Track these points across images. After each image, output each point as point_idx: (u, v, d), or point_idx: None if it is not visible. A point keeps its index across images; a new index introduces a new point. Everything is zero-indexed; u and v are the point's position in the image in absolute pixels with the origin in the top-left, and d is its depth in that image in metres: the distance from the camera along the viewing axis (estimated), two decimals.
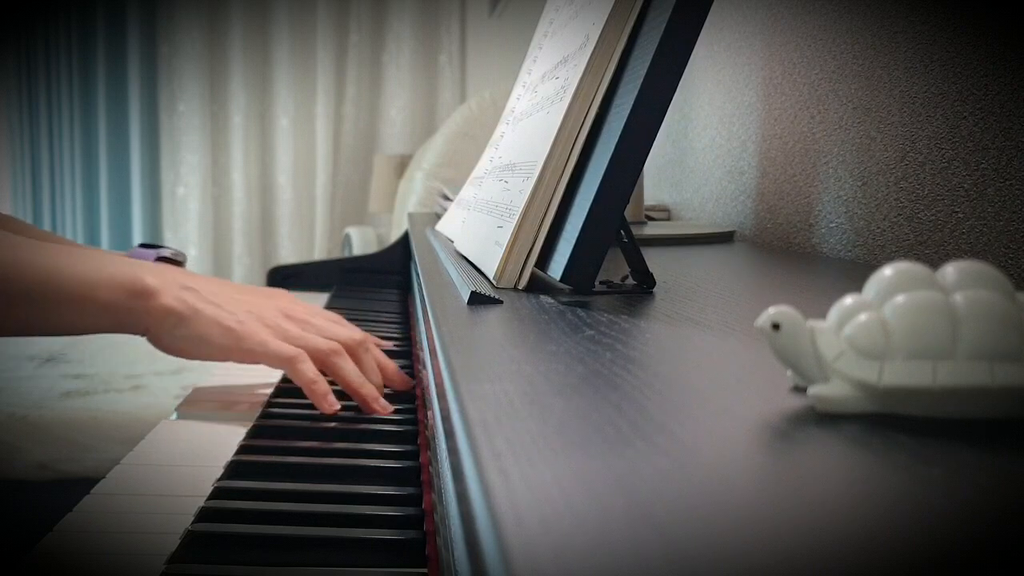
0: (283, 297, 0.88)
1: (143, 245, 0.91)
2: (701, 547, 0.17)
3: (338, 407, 0.66)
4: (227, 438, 0.63)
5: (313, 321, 0.73)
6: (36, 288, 0.65)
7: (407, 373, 0.82)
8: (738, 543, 0.17)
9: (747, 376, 0.32)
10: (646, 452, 0.23)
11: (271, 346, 0.67)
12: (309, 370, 0.67)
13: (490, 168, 0.76)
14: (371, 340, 0.75)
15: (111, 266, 0.68)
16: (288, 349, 0.67)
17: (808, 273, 0.68)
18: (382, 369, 0.73)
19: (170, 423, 0.69)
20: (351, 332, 0.73)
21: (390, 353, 0.90)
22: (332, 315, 0.78)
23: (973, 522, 0.18)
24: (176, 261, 0.90)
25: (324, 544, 0.46)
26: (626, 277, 0.55)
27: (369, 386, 0.69)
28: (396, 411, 0.69)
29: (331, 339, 0.71)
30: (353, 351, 0.71)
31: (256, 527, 0.48)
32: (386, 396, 0.72)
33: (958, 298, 0.25)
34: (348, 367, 0.69)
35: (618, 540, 0.17)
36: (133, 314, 0.67)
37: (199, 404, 0.73)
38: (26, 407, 1.17)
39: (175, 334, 0.67)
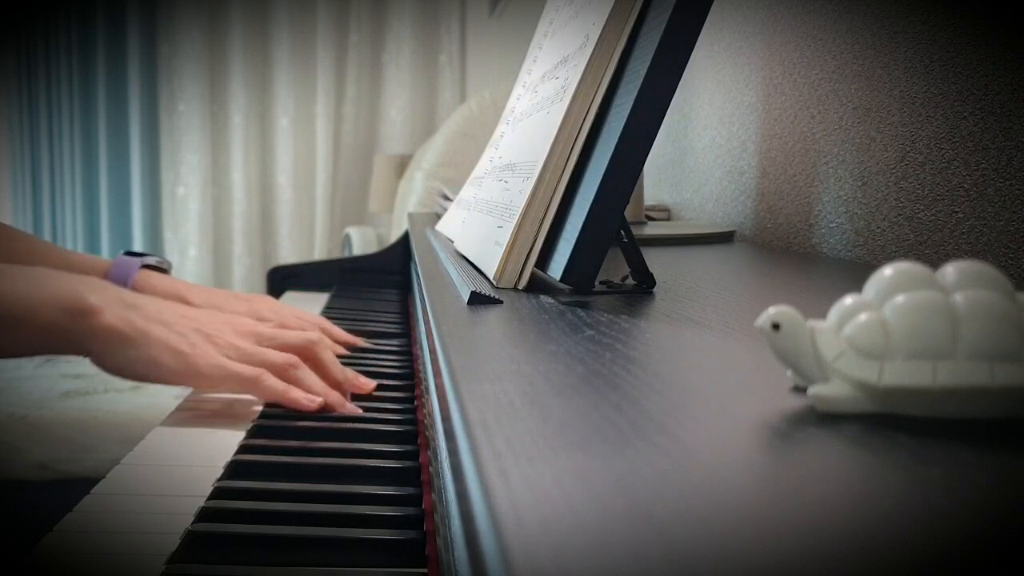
0: (264, 307, 0.88)
1: (128, 253, 0.91)
2: (701, 547, 0.17)
3: (320, 400, 0.66)
4: (227, 438, 0.63)
5: (264, 331, 0.71)
6: None
7: (407, 373, 0.82)
8: (738, 543, 0.17)
9: (747, 376, 0.32)
10: (646, 452, 0.23)
11: (230, 368, 0.65)
12: (276, 384, 0.65)
13: (490, 168, 0.76)
14: (325, 335, 0.73)
15: (51, 285, 0.65)
16: (248, 370, 0.65)
17: (808, 273, 0.68)
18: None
19: (169, 425, 0.69)
20: (304, 334, 0.72)
21: (390, 353, 0.90)
22: (279, 310, 0.76)
23: (973, 522, 0.18)
24: (161, 269, 0.91)
25: (324, 544, 0.46)
26: (626, 277, 0.55)
27: (334, 393, 0.68)
28: (396, 411, 0.69)
29: (284, 348, 0.69)
30: (308, 355, 0.69)
31: (256, 527, 0.48)
32: (384, 397, 0.72)
33: (958, 298, 0.25)
34: (309, 379, 0.67)
35: (618, 540, 0.17)
36: (74, 335, 0.64)
37: (190, 414, 0.70)
38: (26, 407, 1.17)
39: (122, 356, 0.64)
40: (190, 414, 0.70)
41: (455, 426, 0.27)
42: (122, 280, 0.86)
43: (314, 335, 0.71)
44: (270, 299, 0.92)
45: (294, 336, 0.71)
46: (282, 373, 0.67)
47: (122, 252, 0.92)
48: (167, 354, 0.65)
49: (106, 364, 0.65)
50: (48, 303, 0.63)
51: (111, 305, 0.65)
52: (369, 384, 0.72)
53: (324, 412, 0.66)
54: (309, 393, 0.67)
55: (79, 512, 0.51)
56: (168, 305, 0.70)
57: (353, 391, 0.71)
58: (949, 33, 0.66)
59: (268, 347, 0.70)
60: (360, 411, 0.67)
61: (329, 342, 0.73)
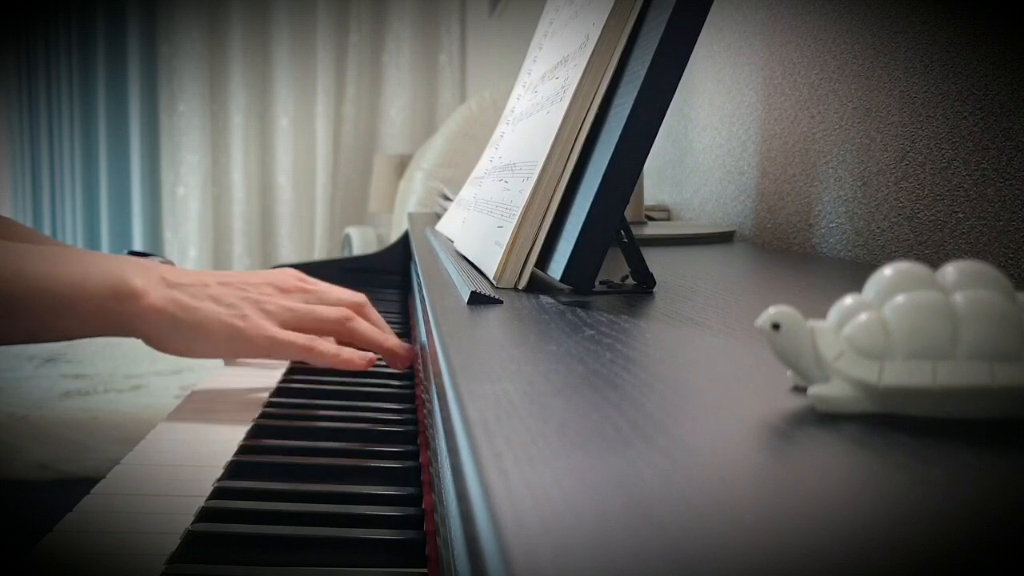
0: (288, 279, 0.88)
1: (132, 252, 0.91)
2: (701, 547, 0.17)
3: (371, 356, 0.66)
4: (227, 438, 0.63)
5: (311, 288, 0.71)
6: (19, 297, 0.62)
7: (407, 373, 0.82)
8: (738, 543, 0.17)
9: (747, 376, 0.32)
10: (646, 452, 0.23)
11: (281, 339, 0.65)
12: (329, 349, 0.65)
13: (490, 168, 0.76)
14: (366, 301, 0.74)
15: (97, 268, 0.64)
16: (300, 338, 0.65)
17: (808, 273, 0.68)
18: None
19: (169, 424, 0.69)
20: (351, 294, 0.72)
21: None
22: (321, 284, 0.76)
23: (973, 522, 0.18)
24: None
25: (324, 544, 0.46)
26: (626, 277, 0.55)
27: (392, 338, 0.68)
28: (396, 411, 0.69)
29: (336, 304, 0.69)
30: (359, 310, 0.70)
31: (256, 527, 0.48)
32: (384, 396, 0.72)
33: (958, 298, 0.25)
34: (364, 327, 0.68)
35: (618, 540, 0.17)
36: (123, 317, 0.64)
37: (190, 414, 0.70)
38: (26, 407, 1.17)
39: (175, 336, 0.65)
40: (192, 412, 0.70)
41: (455, 426, 0.27)
42: None
43: (358, 295, 0.72)
44: (290, 270, 0.91)
45: (344, 294, 0.71)
46: (338, 327, 0.67)
47: (126, 252, 0.92)
48: (220, 330, 0.65)
49: (161, 345, 0.66)
50: (97, 286, 0.63)
51: (156, 286, 0.65)
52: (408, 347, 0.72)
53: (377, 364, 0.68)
54: (369, 339, 0.67)
55: (79, 512, 0.51)
56: (211, 276, 0.69)
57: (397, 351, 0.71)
58: (949, 33, 0.66)
59: (316, 304, 0.70)
60: (416, 351, 0.68)
61: (368, 301, 0.74)
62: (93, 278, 0.64)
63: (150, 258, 0.89)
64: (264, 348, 0.66)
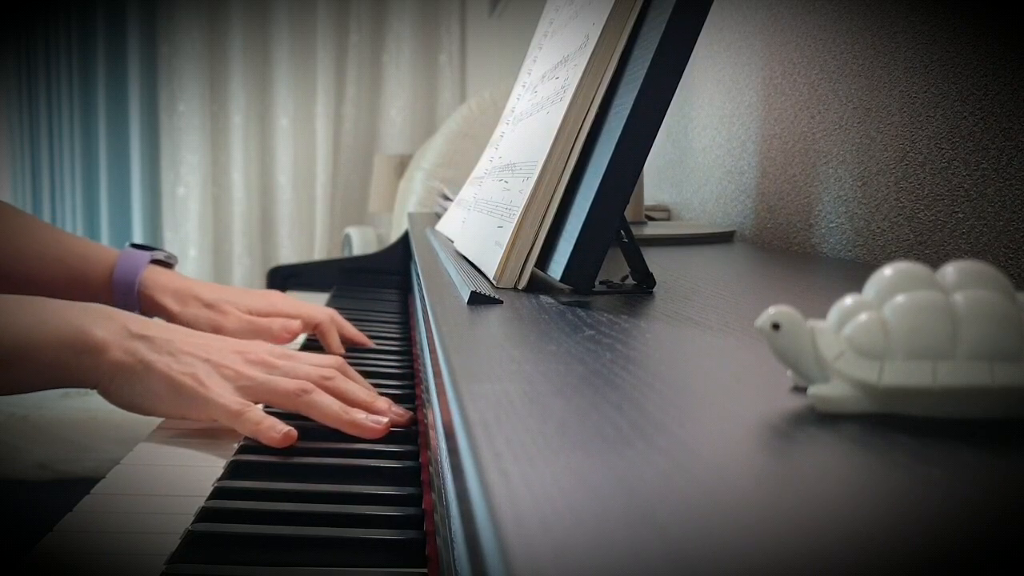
0: (281, 300, 0.89)
1: (134, 246, 0.91)
2: (701, 547, 0.17)
3: (288, 429, 0.60)
4: (226, 439, 0.63)
5: (278, 363, 0.67)
6: None
7: (407, 373, 0.82)
8: (738, 543, 0.17)
9: (747, 376, 0.32)
10: (646, 452, 0.23)
11: (218, 402, 0.62)
12: (253, 418, 0.61)
13: (490, 168, 0.76)
14: (346, 365, 0.69)
15: (53, 320, 0.62)
16: (234, 403, 0.62)
17: (808, 273, 0.68)
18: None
19: (170, 422, 0.69)
20: (320, 367, 0.67)
21: (390, 353, 0.90)
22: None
23: (973, 522, 0.18)
24: (168, 264, 0.91)
25: (324, 544, 0.46)
26: (626, 277, 0.55)
27: (356, 411, 0.63)
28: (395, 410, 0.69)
29: (301, 377, 0.65)
30: (327, 386, 0.64)
31: (256, 527, 0.48)
32: (384, 396, 0.72)
33: (958, 298, 0.25)
34: (323, 401, 0.63)
35: (618, 540, 0.17)
36: (80, 371, 0.62)
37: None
38: (26, 407, 1.17)
39: (125, 389, 0.63)
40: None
41: (455, 426, 0.27)
42: (130, 274, 0.85)
43: (328, 371, 0.66)
44: (281, 294, 0.93)
45: (309, 370, 0.66)
46: (293, 400, 0.63)
47: (128, 244, 0.91)
48: (165, 386, 0.62)
49: (114, 399, 0.64)
50: (50, 340, 0.61)
51: (118, 338, 0.63)
52: (404, 415, 0.65)
53: (295, 445, 0.61)
54: (325, 415, 0.62)
55: (79, 512, 0.51)
56: (178, 333, 0.67)
57: (375, 413, 0.64)
58: (949, 33, 0.66)
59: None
60: (384, 423, 0.62)
61: (352, 372, 0.69)
62: (48, 328, 0.61)
63: (153, 252, 0.89)
64: (200, 408, 0.63)
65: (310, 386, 0.63)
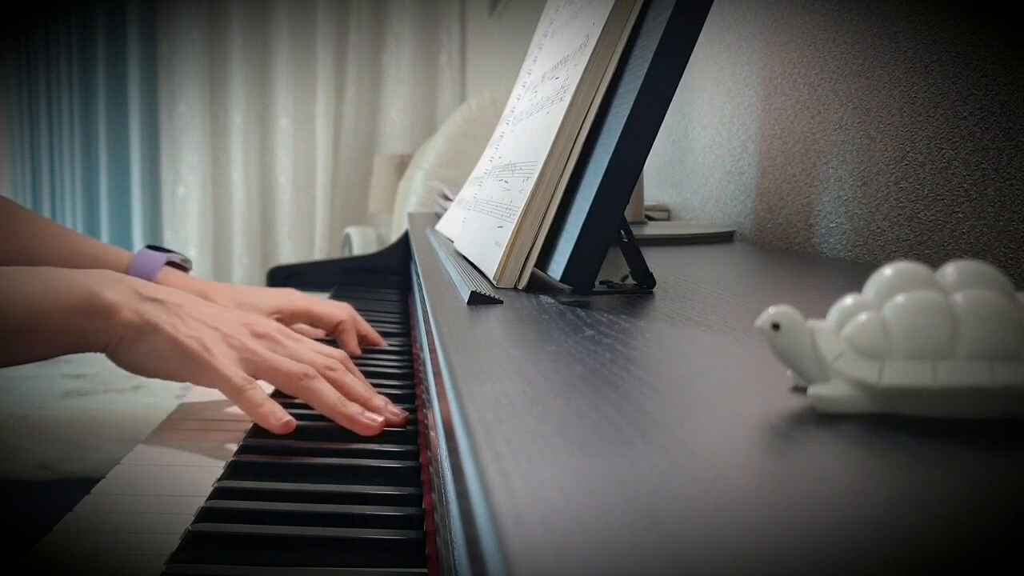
0: (297, 297, 0.88)
1: (151, 247, 0.90)
2: (701, 547, 0.17)
3: (288, 418, 0.61)
4: (227, 439, 0.63)
5: (285, 342, 0.67)
6: None
7: (407, 373, 0.82)
8: (738, 543, 0.17)
9: (747, 376, 0.32)
10: (646, 452, 0.23)
11: (222, 371, 0.62)
12: (254, 398, 0.61)
13: (490, 168, 0.76)
14: (349, 360, 0.69)
15: (63, 286, 0.62)
16: (237, 377, 0.62)
17: (808, 273, 0.68)
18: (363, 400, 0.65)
19: (170, 421, 0.69)
20: (326, 356, 0.67)
21: (390, 353, 0.90)
22: (308, 341, 0.70)
23: (973, 522, 0.18)
24: (183, 267, 0.90)
25: (324, 544, 0.46)
26: (626, 277, 0.55)
27: (352, 405, 0.63)
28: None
29: (306, 362, 0.65)
30: (327, 374, 0.65)
31: (256, 527, 0.48)
32: (388, 396, 0.72)
33: (958, 298, 0.25)
34: (323, 389, 0.63)
35: (618, 540, 0.17)
36: (92, 333, 0.62)
37: (182, 424, 0.69)
38: (26, 407, 1.17)
39: (132, 350, 0.63)
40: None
41: (455, 426, 0.27)
42: (145, 275, 0.84)
43: (332, 362, 0.66)
44: (297, 291, 0.92)
45: (314, 356, 0.66)
46: (295, 383, 0.63)
47: (145, 246, 0.91)
48: (170, 349, 0.62)
49: (119, 358, 0.64)
50: (61, 305, 0.61)
51: (129, 300, 0.63)
52: (399, 415, 0.65)
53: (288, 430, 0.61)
54: (322, 403, 0.62)
55: (79, 512, 0.51)
56: (189, 299, 0.67)
57: (372, 410, 0.64)
58: (949, 33, 0.66)
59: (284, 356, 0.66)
60: (380, 422, 0.62)
61: (353, 368, 0.68)
62: (59, 294, 0.62)
63: (170, 254, 0.88)
64: (202, 374, 0.63)
65: (313, 371, 0.63)
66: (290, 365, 0.64)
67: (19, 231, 0.85)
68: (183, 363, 0.63)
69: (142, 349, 0.63)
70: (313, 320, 0.89)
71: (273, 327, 0.69)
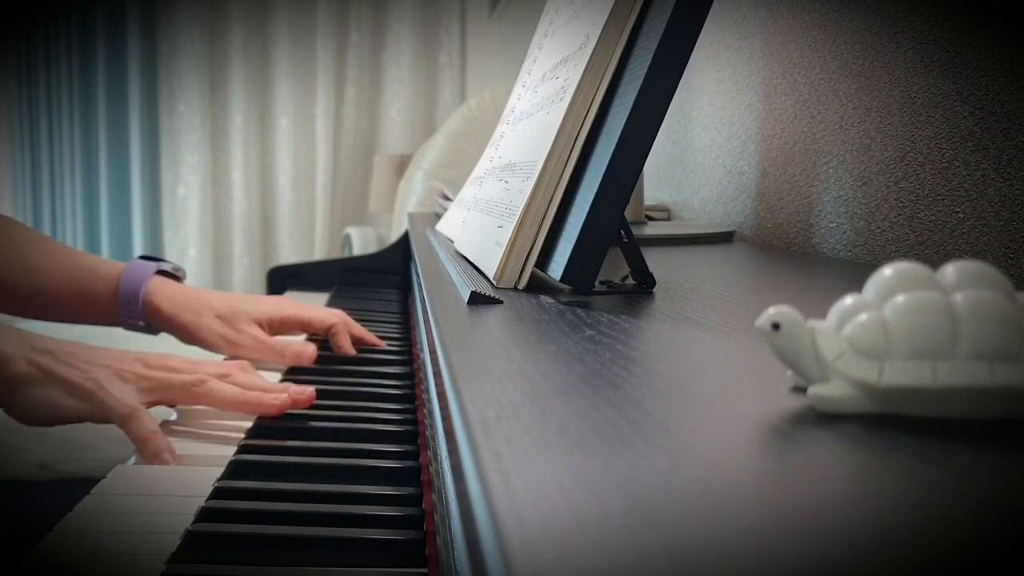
0: (289, 304, 0.89)
1: (143, 257, 0.90)
2: (701, 547, 0.17)
3: (171, 461, 0.62)
4: (227, 439, 0.63)
5: (181, 366, 0.69)
6: None
7: (407, 373, 0.82)
8: (738, 543, 0.17)
9: (747, 376, 0.32)
10: (646, 452, 0.23)
11: (110, 403, 0.63)
12: (142, 426, 0.63)
13: (490, 168, 0.76)
14: (249, 366, 0.72)
15: None
16: (124, 406, 0.63)
17: (808, 273, 0.68)
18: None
19: (170, 422, 0.69)
20: (220, 366, 0.70)
21: (390, 353, 0.90)
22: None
23: (973, 522, 0.18)
24: (176, 276, 0.90)
25: (324, 544, 0.46)
26: (626, 277, 0.55)
27: (252, 392, 0.66)
28: (396, 411, 0.69)
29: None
30: (227, 379, 0.68)
31: (256, 527, 0.48)
32: (384, 396, 0.72)
33: (958, 298, 0.25)
34: (220, 386, 0.66)
35: (618, 540, 0.17)
36: None
37: (190, 415, 0.70)
38: None
39: (27, 401, 0.64)
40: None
41: (455, 426, 0.27)
42: (135, 283, 0.85)
43: (225, 370, 0.69)
44: (289, 300, 0.93)
45: (208, 368, 0.69)
46: (189, 391, 0.66)
47: (138, 256, 0.91)
48: (66, 393, 0.64)
49: (16, 413, 0.65)
50: None
51: (22, 351, 0.64)
52: (305, 392, 0.68)
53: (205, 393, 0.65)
54: (225, 400, 0.65)
55: (79, 512, 0.51)
56: (79, 346, 0.68)
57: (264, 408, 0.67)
58: (949, 33, 0.66)
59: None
60: (284, 399, 0.66)
61: (251, 370, 0.72)
62: None
63: (160, 263, 0.88)
64: (96, 410, 0.64)
65: (207, 377, 0.66)
66: (183, 377, 0.66)
67: (15, 243, 0.86)
68: (78, 402, 0.64)
69: (36, 397, 0.64)
70: (304, 326, 0.90)
71: (167, 358, 0.70)
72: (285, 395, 0.66)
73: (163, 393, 0.66)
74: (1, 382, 0.63)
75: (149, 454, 0.61)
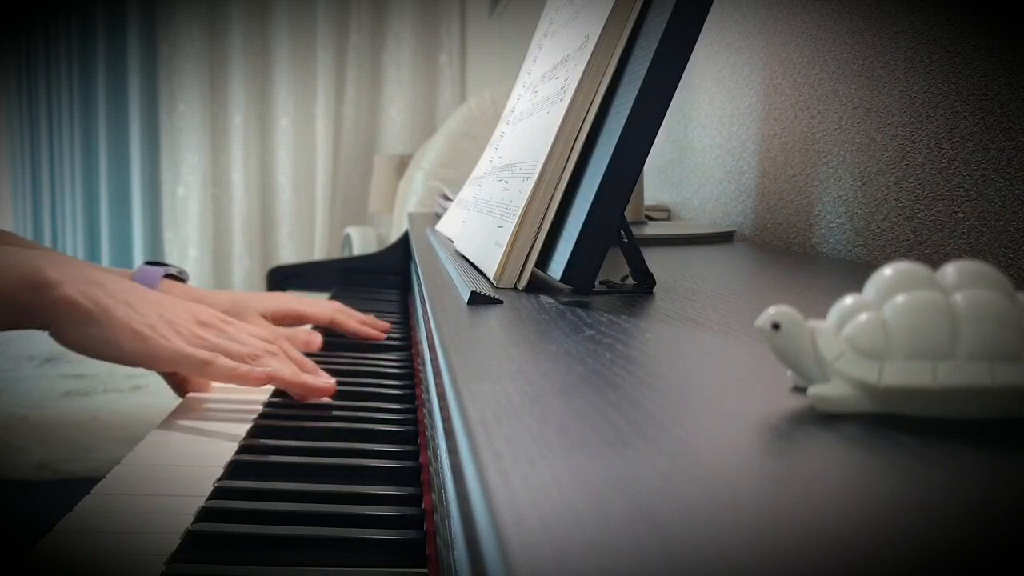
0: (288, 300, 0.92)
1: (149, 263, 0.91)
2: (701, 547, 0.17)
3: (269, 370, 0.65)
4: (227, 439, 0.63)
5: (227, 329, 0.71)
6: None
7: (407, 373, 0.82)
8: (738, 543, 0.17)
9: (747, 376, 0.32)
10: (646, 452, 0.23)
11: (186, 352, 0.65)
12: (226, 363, 0.65)
13: (490, 168, 0.76)
14: (288, 343, 0.74)
15: (8, 260, 0.64)
16: (203, 353, 0.65)
17: (808, 273, 0.68)
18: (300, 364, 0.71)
19: (170, 422, 0.69)
20: (264, 335, 0.72)
21: (390, 352, 0.90)
22: (243, 325, 0.75)
23: (973, 522, 0.18)
24: (180, 279, 0.91)
25: (324, 544, 0.46)
26: (626, 277, 0.55)
27: (306, 375, 0.68)
28: (396, 411, 0.69)
29: (247, 346, 0.69)
30: (270, 353, 0.70)
31: (256, 527, 0.48)
32: (384, 396, 0.72)
33: (958, 298, 0.25)
34: (276, 364, 0.68)
35: (618, 540, 0.17)
36: (32, 307, 0.64)
37: (189, 415, 0.71)
38: (26, 407, 1.17)
39: (81, 332, 0.64)
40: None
41: (455, 426, 0.27)
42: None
43: (273, 347, 0.71)
44: (287, 295, 0.95)
45: (255, 341, 0.71)
46: (240, 360, 0.67)
47: (144, 262, 0.92)
48: (127, 335, 0.64)
49: (65, 339, 0.65)
50: (7, 277, 0.63)
51: (72, 279, 0.64)
52: (328, 384, 0.70)
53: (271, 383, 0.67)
54: (277, 377, 0.67)
55: (79, 512, 0.51)
56: (133, 287, 0.69)
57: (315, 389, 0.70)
58: (949, 33, 0.66)
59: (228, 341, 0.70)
60: (333, 383, 0.68)
61: (290, 347, 0.73)
62: (4, 267, 0.63)
63: (167, 267, 0.89)
64: (167, 360, 0.66)
65: (262, 352, 0.68)
66: (239, 348, 0.68)
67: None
68: (139, 348, 0.65)
69: (94, 332, 0.64)
70: (303, 319, 0.93)
71: (215, 315, 0.72)
72: (333, 380, 0.68)
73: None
74: (49, 306, 0.63)
75: (245, 378, 0.65)
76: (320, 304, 0.94)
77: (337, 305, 0.94)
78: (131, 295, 0.67)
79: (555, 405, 0.28)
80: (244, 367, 0.65)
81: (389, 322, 1.02)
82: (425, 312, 0.56)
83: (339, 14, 3.85)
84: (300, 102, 3.89)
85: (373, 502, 0.52)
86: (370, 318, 0.96)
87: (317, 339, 0.87)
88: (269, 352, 0.70)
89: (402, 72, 3.88)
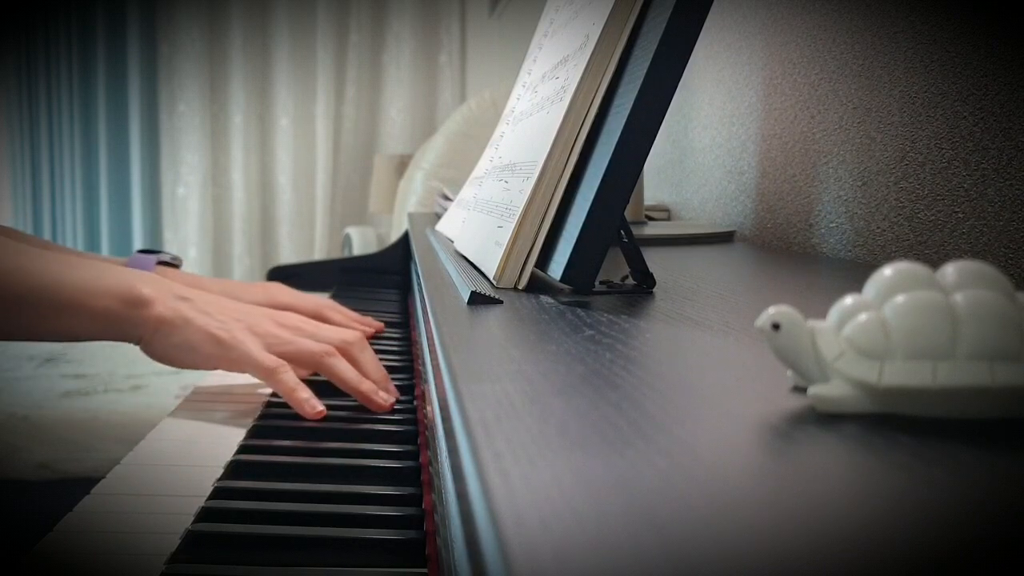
0: (280, 293, 0.92)
1: (142, 251, 0.92)
2: (701, 547, 0.17)
3: (321, 408, 0.66)
4: (227, 438, 0.63)
5: (306, 328, 0.74)
6: (34, 294, 0.66)
7: (407, 373, 0.82)
8: (738, 543, 0.17)
9: (747, 376, 0.32)
10: (646, 452, 0.23)
11: (254, 356, 0.68)
12: (289, 379, 0.67)
13: (490, 168, 0.76)
14: (365, 340, 0.75)
15: (108, 275, 0.69)
16: (269, 360, 0.68)
17: (808, 273, 0.68)
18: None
19: (170, 422, 0.69)
20: (343, 334, 0.73)
21: (390, 353, 0.90)
22: (294, 293, 0.78)
23: (973, 522, 0.18)
24: (174, 265, 0.91)
25: (324, 544, 0.46)
26: (626, 277, 0.55)
27: (367, 382, 0.69)
28: (396, 411, 0.69)
29: (323, 342, 0.71)
30: (347, 352, 0.71)
31: (256, 527, 0.48)
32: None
33: (958, 298, 0.25)
34: (341, 366, 0.69)
35: (618, 540, 0.17)
36: (128, 322, 0.68)
37: (199, 404, 0.73)
38: (26, 407, 1.17)
39: (166, 343, 0.69)
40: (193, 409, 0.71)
41: (455, 426, 0.27)
42: None
43: (351, 335, 0.73)
44: (282, 286, 0.95)
45: (335, 335, 0.73)
46: (317, 361, 0.69)
47: (137, 250, 0.93)
48: (204, 339, 0.68)
49: (154, 351, 0.69)
50: (106, 291, 0.68)
51: (163, 296, 0.69)
52: (383, 400, 0.70)
53: (323, 422, 0.66)
54: (342, 379, 0.68)
55: (79, 512, 0.51)
56: (214, 298, 0.73)
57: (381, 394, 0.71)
58: (949, 33, 0.66)
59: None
60: (392, 402, 0.69)
61: (368, 348, 0.74)
62: (104, 282, 0.68)
63: (159, 254, 0.90)
64: (235, 361, 0.69)
65: (332, 350, 0.70)
66: (311, 345, 0.70)
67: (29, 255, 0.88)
68: (216, 351, 0.68)
69: (176, 341, 0.69)
70: (293, 312, 0.92)
71: (295, 318, 0.75)
72: (392, 399, 0.69)
73: (289, 356, 0.70)
74: (141, 322, 0.68)
75: (298, 403, 0.66)
76: (309, 298, 0.94)
77: (329, 302, 0.95)
78: (213, 305, 0.71)
79: (555, 405, 0.28)
80: (301, 395, 0.66)
81: (388, 322, 1.02)
82: (425, 312, 0.56)
83: (339, 14, 3.85)
84: (300, 102, 3.89)
85: (373, 502, 0.52)
86: (366, 318, 0.96)
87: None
88: (345, 342, 0.71)
89: (402, 72, 3.88)
